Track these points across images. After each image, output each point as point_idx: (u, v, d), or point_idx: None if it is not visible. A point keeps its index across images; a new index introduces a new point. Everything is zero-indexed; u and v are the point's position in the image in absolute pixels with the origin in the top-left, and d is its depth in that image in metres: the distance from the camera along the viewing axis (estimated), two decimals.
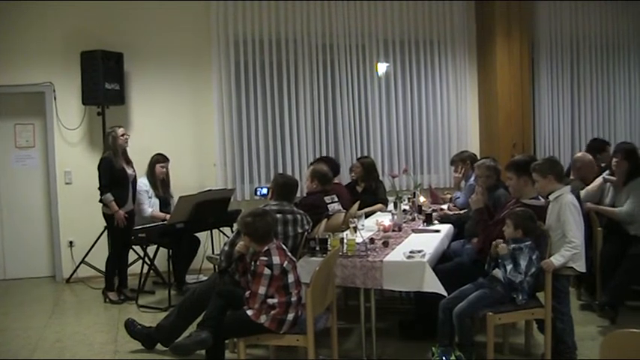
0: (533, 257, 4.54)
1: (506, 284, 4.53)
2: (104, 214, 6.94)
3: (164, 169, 7.39)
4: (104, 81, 7.57)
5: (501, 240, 4.65)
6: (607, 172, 6.39)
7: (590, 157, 6.81)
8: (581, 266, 4.71)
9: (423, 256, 4.75)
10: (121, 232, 6.88)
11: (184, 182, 7.77)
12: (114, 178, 6.79)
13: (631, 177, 6.01)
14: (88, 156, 7.95)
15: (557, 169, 4.90)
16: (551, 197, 4.83)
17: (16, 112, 8.12)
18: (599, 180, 6.34)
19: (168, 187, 7.50)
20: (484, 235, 5.04)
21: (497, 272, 4.61)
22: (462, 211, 6.46)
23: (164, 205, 7.34)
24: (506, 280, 4.52)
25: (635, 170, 6.02)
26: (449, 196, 7.50)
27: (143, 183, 7.28)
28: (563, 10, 9.38)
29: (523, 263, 4.50)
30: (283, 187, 5.31)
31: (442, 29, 9.07)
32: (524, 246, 4.54)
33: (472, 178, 6.55)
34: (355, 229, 5.39)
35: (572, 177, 6.69)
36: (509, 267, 4.52)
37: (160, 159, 7.38)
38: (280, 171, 8.39)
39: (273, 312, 4.18)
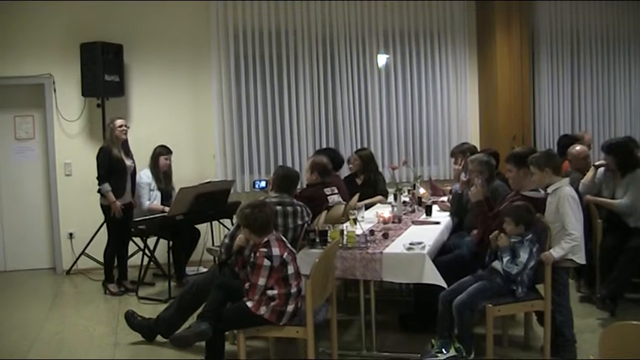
0: (534, 250, 4.54)
1: (504, 276, 4.54)
2: (102, 206, 6.94)
3: (167, 162, 7.38)
4: (104, 73, 7.56)
5: (501, 232, 4.65)
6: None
7: (579, 148, 6.77)
8: (580, 258, 4.72)
9: (423, 247, 4.76)
10: (119, 224, 6.88)
11: (184, 174, 7.77)
12: (111, 168, 6.78)
13: (629, 169, 6.01)
14: (87, 148, 7.94)
15: (555, 162, 4.90)
16: (549, 190, 4.83)
17: (16, 103, 8.12)
18: (591, 170, 6.33)
19: (170, 180, 7.47)
20: (483, 227, 5.04)
21: (497, 264, 4.61)
22: None
23: (165, 197, 7.31)
24: (504, 273, 4.53)
25: (630, 162, 6.02)
26: (449, 187, 7.49)
27: (146, 175, 7.26)
28: (563, 2, 9.35)
29: (524, 256, 4.49)
30: (283, 179, 5.32)
31: (442, 21, 9.04)
32: (526, 239, 4.53)
33: None
34: (355, 220, 5.39)
35: (569, 169, 6.69)
36: (505, 259, 4.52)
37: (163, 151, 7.36)
38: (280, 163, 8.39)
39: (272, 304, 4.18)
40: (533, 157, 4.93)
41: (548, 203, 4.80)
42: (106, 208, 6.90)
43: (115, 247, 7.04)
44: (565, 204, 4.66)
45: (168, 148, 7.40)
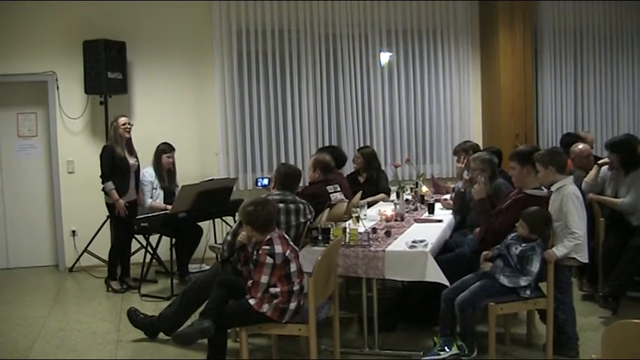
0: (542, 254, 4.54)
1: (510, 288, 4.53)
2: (107, 204, 6.95)
3: (170, 159, 7.36)
4: (106, 70, 7.56)
5: (489, 253, 4.63)
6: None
7: (582, 147, 6.77)
8: (583, 257, 4.71)
9: (426, 245, 4.75)
10: (124, 222, 6.88)
11: (187, 171, 7.77)
12: (115, 167, 6.78)
13: (632, 167, 6.00)
14: (90, 145, 7.96)
15: (559, 160, 4.89)
16: (553, 188, 4.82)
17: (19, 101, 8.12)
18: (595, 168, 6.32)
19: (174, 178, 7.46)
20: (486, 225, 5.04)
21: (499, 263, 4.60)
22: None
23: (169, 195, 7.29)
24: (511, 285, 4.51)
25: (633, 160, 6.00)
26: (451, 185, 7.49)
27: (149, 173, 7.26)
28: (566, 1, 9.34)
29: (536, 265, 4.47)
30: (286, 177, 5.31)
31: (445, 19, 9.05)
32: (537, 244, 4.50)
33: None
34: (358, 218, 5.40)
35: (572, 167, 6.68)
36: (510, 274, 4.51)
37: (166, 149, 7.34)
38: (283, 160, 8.39)
39: (275, 301, 4.18)
40: (538, 155, 4.92)
41: (551, 201, 4.79)
42: (111, 207, 6.91)
43: (121, 245, 7.06)
44: (569, 202, 4.65)
45: (170, 146, 7.39)
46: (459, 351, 4.52)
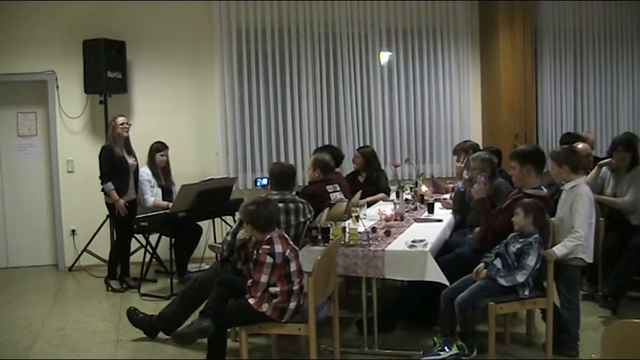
0: (542, 251, 4.52)
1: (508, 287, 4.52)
2: (107, 204, 6.96)
3: (164, 157, 7.37)
4: (106, 69, 7.56)
5: (481, 266, 4.63)
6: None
7: (581, 146, 6.78)
8: (589, 257, 4.72)
9: (425, 245, 4.75)
10: (124, 221, 6.88)
11: (186, 171, 7.78)
12: (114, 167, 6.79)
13: (631, 166, 6.00)
14: (90, 144, 7.95)
15: (574, 160, 4.90)
16: (567, 186, 4.84)
17: (18, 100, 8.12)
18: (595, 169, 6.32)
19: (169, 175, 7.48)
20: (486, 224, 5.04)
21: (498, 262, 4.60)
22: None
23: (166, 193, 7.32)
24: (510, 284, 4.50)
25: (636, 159, 6.01)
26: (451, 185, 7.49)
27: (145, 172, 7.27)
28: (566, 1, 9.33)
29: (532, 259, 4.46)
30: (280, 176, 5.30)
31: (445, 18, 9.05)
32: (534, 239, 4.50)
33: None
34: (357, 218, 5.39)
35: None
36: (507, 273, 4.50)
37: (159, 147, 7.36)
38: (283, 160, 8.37)
39: (275, 301, 4.18)
40: (554, 152, 4.97)
41: (562, 200, 4.81)
42: (111, 206, 6.91)
43: (121, 244, 7.06)
44: (580, 201, 4.66)
45: (163, 144, 7.40)
46: (459, 351, 4.52)
